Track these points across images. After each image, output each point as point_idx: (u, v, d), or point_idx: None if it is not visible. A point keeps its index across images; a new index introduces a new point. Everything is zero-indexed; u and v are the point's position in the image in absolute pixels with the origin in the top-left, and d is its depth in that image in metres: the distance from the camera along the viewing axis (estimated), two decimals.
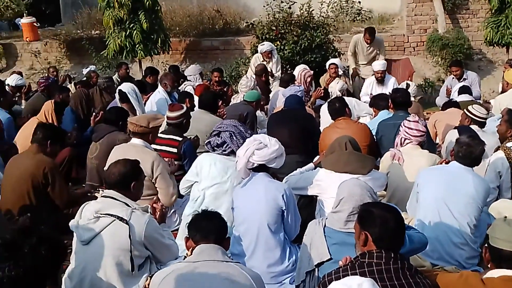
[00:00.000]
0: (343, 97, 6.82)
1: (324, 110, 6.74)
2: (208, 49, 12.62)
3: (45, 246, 2.02)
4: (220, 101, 6.59)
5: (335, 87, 7.77)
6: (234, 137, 4.43)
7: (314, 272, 3.38)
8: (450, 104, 6.96)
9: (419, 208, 4.08)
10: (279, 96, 7.43)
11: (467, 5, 11.71)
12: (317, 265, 3.33)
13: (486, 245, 2.68)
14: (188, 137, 5.35)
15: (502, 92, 7.64)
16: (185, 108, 5.44)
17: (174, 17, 13.17)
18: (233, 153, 4.34)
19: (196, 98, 6.96)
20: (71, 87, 9.20)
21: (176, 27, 12.88)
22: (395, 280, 2.51)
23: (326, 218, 3.44)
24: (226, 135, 4.47)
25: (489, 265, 2.63)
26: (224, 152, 4.43)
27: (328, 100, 6.48)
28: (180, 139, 5.20)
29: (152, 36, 10.86)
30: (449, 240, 3.89)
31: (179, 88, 8.46)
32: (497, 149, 4.82)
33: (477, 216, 3.92)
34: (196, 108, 6.46)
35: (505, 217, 2.72)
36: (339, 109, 5.66)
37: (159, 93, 7.66)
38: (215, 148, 4.48)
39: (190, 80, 8.87)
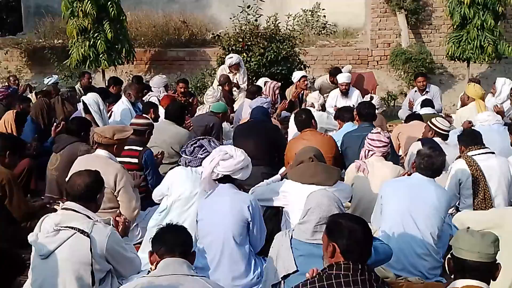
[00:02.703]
0: (310, 108, 6.87)
1: (292, 121, 6.77)
2: (173, 60, 12.56)
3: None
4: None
5: (316, 101, 7.82)
6: (211, 143, 4.45)
7: (280, 285, 3.35)
8: (413, 116, 7.06)
9: (383, 220, 4.11)
10: (245, 107, 7.43)
11: (430, 21, 12.01)
12: (283, 278, 3.30)
13: (449, 255, 2.70)
14: (150, 147, 5.31)
15: (462, 105, 7.83)
16: (151, 121, 5.49)
17: (140, 27, 13.08)
18: None
19: (161, 109, 6.89)
20: (32, 96, 8.98)
21: (141, 37, 12.79)
22: None
23: (293, 230, 3.42)
24: (204, 141, 4.50)
25: (452, 276, 2.65)
26: (200, 157, 4.37)
27: (295, 112, 6.52)
28: (140, 149, 5.14)
29: (116, 46, 10.74)
30: (413, 251, 3.92)
31: (143, 98, 8.36)
32: (458, 158, 4.92)
33: (440, 226, 3.98)
34: (161, 118, 6.40)
35: (468, 227, 2.74)
36: (305, 121, 5.69)
37: (123, 103, 7.55)
38: (189, 156, 4.42)
39: (154, 91, 8.79)
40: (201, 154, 4.39)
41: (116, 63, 10.94)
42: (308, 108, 6.96)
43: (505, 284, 3.37)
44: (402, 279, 3.84)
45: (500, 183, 4.73)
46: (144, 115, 5.92)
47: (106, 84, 9.81)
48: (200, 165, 4.29)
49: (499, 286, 3.23)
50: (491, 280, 2.59)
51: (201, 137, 4.71)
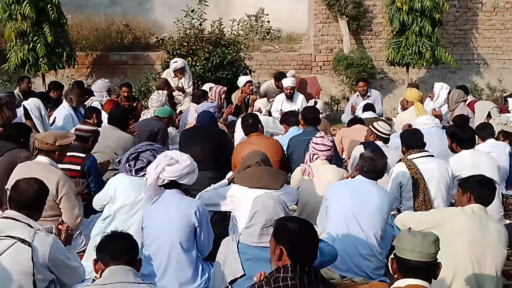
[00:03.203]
0: (257, 113, 6.93)
1: (239, 125, 6.79)
2: (116, 64, 12.35)
3: None
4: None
5: (264, 107, 7.86)
6: (157, 155, 4.28)
7: None
8: (355, 120, 7.22)
9: (328, 222, 4.18)
10: (191, 112, 7.39)
11: (370, 27, 12.33)
12: (231, 282, 3.31)
13: (392, 256, 2.77)
14: (93, 154, 5.20)
15: (403, 110, 8.09)
16: (96, 127, 5.37)
17: (81, 30, 12.81)
18: None
19: (104, 114, 6.76)
20: None
21: (83, 40, 12.52)
22: None
23: (240, 235, 3.43)
24: (147, 154, 4.37)
25: (395, 275, 2.73)
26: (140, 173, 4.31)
27: (241, 116, 6.55)
28: (83, 155, 5.02)
29: (57, 50, 10.47)
30: (357, 252, 4.01)
31: (86, 103, 8.17)
32: (399, 161, 5.07)
33: (383, 227, 4.09)
34: (105, 123, 6.27)
35: (410, 228, 2.83)
36: (252, 125, 5.73)
37: (64, 108, 7.39)
38: (137, 172, 4.33)
39: (96, 96, 8.62)
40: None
41: (56, 67, 10.67)
42: (254, 112, 7.01)
43: (446, 282, 3.50)
44: (347, 280, 3.92)
45: (439, 185, 4.91)
46: (90, 122, 5.79)
47: (47, 89, 9.53)
48: (145, 167, 4.24)
49: (440, 285, 3.37)
50: (433, 279, 2.68)
51: (145, 149, 4.46)
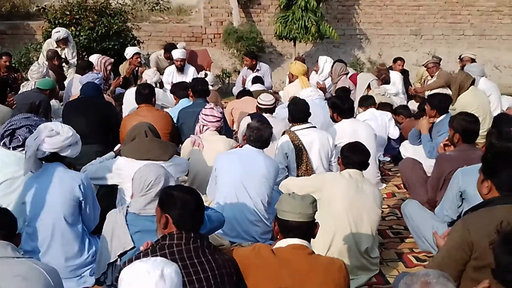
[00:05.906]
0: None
1: (127, 97, 6.64)
2: None
3: None
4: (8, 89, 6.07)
5: (150, 78, 7.68)
6: (34, 130, 4.01)
7: (116, 262, 3.33)
8: (244, 92, 7.37)
9: (218, 190, 4.26)
10: (75, 83, 7.09)
11: (259, 0, 12.46)
12: (120, 255, 3.28)
13: (274, 218, 2.89)
14: None
15: (290, 82, 8.35)
16: None
17: None
18: None
19: None
20: None
21: None
22: (195, 259, 2.58)
23: (128, 206, 3.40)
24: (23, 131, 4.11)
25: (278, 236, 2.86)
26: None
27: (139, 84, 6.40)
28: None
29: None
30: (246, 218, 4.14)
31: None
32: (283, 134, 5.25)
33: (269, 194, 4.24)
34: None
35: (293, 192, 2.96)
36: (147, 96, 5.61)
37: None
38: (14, 149, 4.09)
39: None
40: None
41: None
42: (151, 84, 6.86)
43: (327, 242, 3.73)
44: (236, 245, 4.04)
45: (320, 154, 5.14)
46: None
47: None
48: (21, 146, 4.03)
49: (321, 244, 3.58)
50: (312, 238, 2.84)
51: (20, 125, 4.15)
